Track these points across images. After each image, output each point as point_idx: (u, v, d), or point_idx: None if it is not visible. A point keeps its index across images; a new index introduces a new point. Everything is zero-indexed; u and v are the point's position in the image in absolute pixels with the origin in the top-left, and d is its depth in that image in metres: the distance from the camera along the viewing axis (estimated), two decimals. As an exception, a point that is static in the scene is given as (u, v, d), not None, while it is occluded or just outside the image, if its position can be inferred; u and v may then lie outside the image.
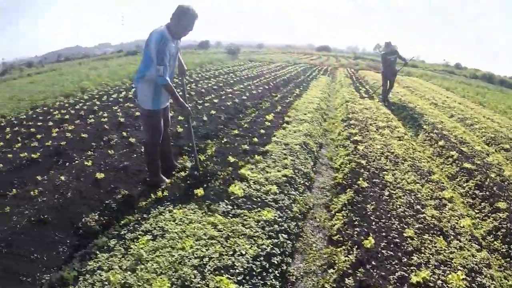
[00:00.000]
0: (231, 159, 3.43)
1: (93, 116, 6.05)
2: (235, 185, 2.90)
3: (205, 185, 2.95)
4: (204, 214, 2.53)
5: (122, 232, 2.40)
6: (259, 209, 2.61)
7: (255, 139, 4.06)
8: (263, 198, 2.79)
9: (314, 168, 3.85)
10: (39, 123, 5.75)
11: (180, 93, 3.09)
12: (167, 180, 3.25)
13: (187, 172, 3.23)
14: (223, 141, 4.13)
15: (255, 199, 2.76)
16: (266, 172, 3.25)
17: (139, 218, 2.55)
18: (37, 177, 3.50)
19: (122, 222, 2.68)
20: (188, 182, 3.04)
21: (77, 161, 3.87)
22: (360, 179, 3.28)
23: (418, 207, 2.87)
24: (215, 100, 6.50)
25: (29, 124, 5.82)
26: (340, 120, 6.11)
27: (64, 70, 20.70)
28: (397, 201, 2.94)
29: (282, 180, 3.08)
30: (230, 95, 7.23)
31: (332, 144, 4.89)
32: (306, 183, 3.42)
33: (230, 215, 2.52)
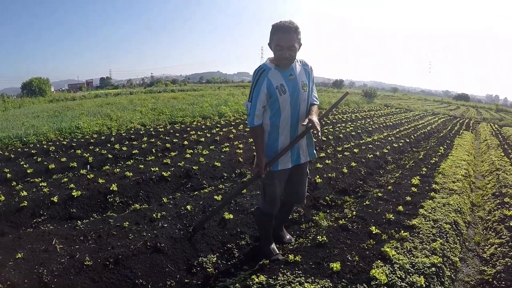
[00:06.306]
0: (373, 229, 2.83)
1: (228, 144, 6.16)
2: (378, 267, 2.26)
3: (342, 259, 2.39)
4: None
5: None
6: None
7: (400, 208, 3.37)
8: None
9: (460, 255, 2.92)
10: (174, 140, 6.25)
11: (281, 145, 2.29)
12: (280, 256, 2.58)
13: None
14: (364, 203, 3.57)
15: (399, 291, 2.08)
16: (412, 255, 2.52)
17: (266, 281, 2.17)
18: (163, 198, 3.60)
19: (242, 275, 2.37)
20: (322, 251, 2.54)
21: (205, 190, 3.89)
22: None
23: None
24: (355, 150, 6.10)
25: (165, 139, 6.40)
26: (490, 193, 4.74)
27: (204, 92, 23.94)
28: None
29: (430, 271, 2.32)
30: (370, 145, 6.76)
31: (480, 224, 3.79)
32: (452, 275, 2.55)
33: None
